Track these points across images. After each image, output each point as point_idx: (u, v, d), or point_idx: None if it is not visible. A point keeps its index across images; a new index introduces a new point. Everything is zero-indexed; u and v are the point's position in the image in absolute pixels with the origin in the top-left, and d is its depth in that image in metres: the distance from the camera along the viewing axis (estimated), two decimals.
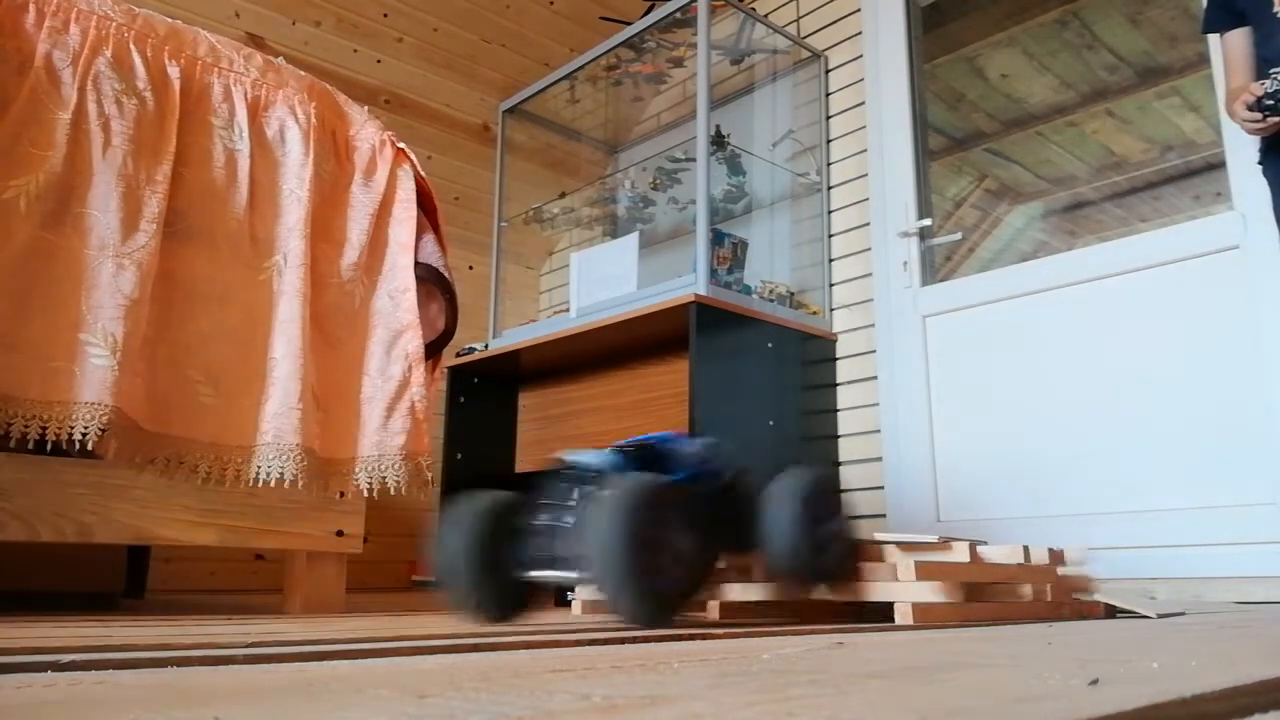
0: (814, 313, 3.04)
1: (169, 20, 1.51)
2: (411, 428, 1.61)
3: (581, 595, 1.60)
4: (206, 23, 2.91)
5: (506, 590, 1.19)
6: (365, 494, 1.59)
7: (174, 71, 1.47)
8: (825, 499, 1.31)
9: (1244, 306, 2.23)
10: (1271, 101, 1.75)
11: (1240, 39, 1.95)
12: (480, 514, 1.18)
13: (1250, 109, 1.79)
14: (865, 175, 3.05)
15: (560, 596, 1.95)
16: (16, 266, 1.28)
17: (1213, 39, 2.26)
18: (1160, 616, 1.47)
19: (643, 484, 1.08)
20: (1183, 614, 1.54)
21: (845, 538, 1.33)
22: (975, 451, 2.65)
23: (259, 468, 1.45)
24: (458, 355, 3.44)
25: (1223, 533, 2.16)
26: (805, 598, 1.36)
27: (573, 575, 1.14)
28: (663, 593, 1.08)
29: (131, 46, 1.43)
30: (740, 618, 1.42)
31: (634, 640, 0.93)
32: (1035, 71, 4.05)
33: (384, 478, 1.57)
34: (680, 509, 1.13)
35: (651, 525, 1.07)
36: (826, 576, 1.30)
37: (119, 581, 2.00)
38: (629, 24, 3.42)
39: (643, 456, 1.24)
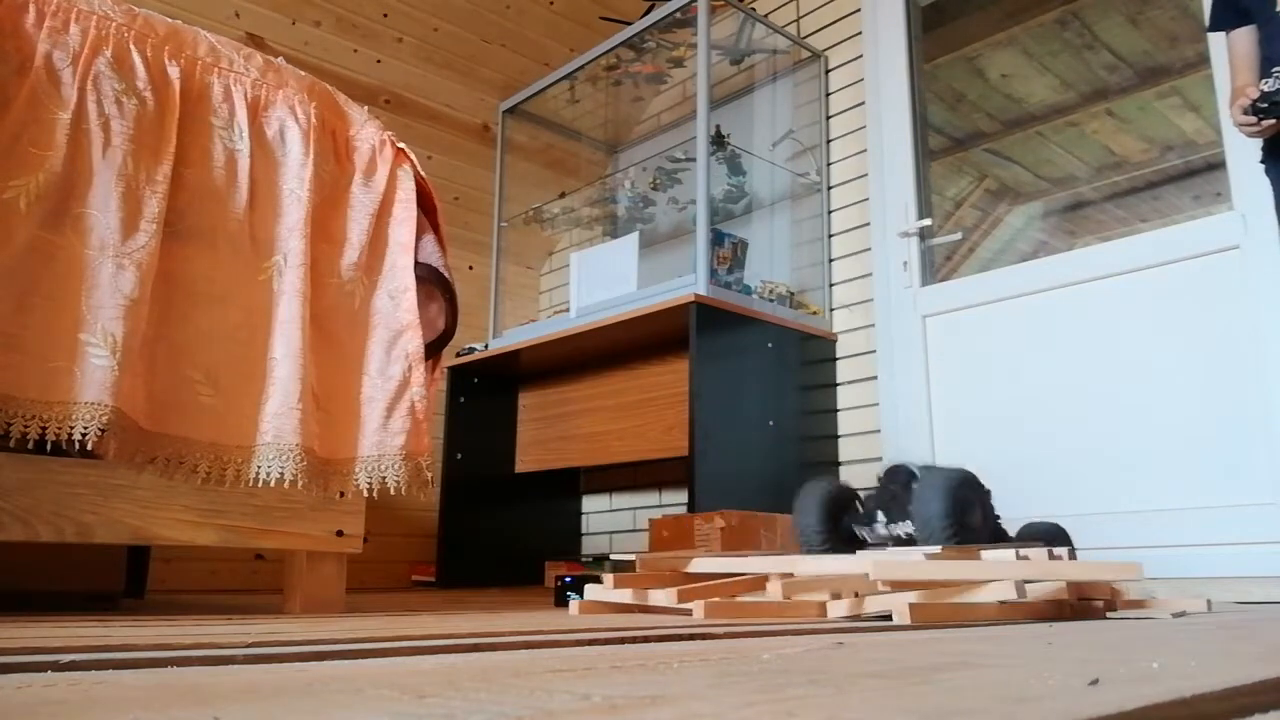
0: (814, 313, 3.04)
1: (169, 20, 1.51)
2: (411, 428, 1.61)
3: (589, 595, 1.62)
4: (206, 23, 2.91)
5: (843, 546, 1.72)
6: (365, 494, 1.59)
7: (174, 71, 1.47)
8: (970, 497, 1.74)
9: (1244, 306, 2.23)
10: (1265, 105, 1.76)
11: (1245, 37, 1.95)
12: (826, 492, 1.75)
13: (1245, 113, 1.79)
14: (865, 175, 3.05)
15: (560, 597, 1.95)
16: (16, 266, 1.28)
17: (1216, 38, 2.27)
18: (1175, 616, 1.48)
19: (954, 473, 1.61)
20: (1208, 612, 1.56)
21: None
22: (975, 451, 2.65)
23: (259, 468, 1.45)
24: (458, 355, 3.44)
25: (1223, 533, 2.16)
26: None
27: (896, 528, 1.66)
28: (969, 543, 1.52)
29: (131, 46, 1.43)
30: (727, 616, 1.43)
31: (634, 640, 0.93)
32: (1035, 71, 4.05)
33: (384, 478, 1.57)
34: (973, 486, 1.62)
35: (960, 498, 1.57)
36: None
37: (119, 581, 2.00)
38: (629, 24, 3.42)
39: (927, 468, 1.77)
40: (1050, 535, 1.84)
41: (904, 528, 1.65)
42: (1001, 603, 1.34)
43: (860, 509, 1.77)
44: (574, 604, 1.60)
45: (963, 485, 1.57)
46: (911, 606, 1.24)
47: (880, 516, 1.70)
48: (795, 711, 0.42)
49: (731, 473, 2.58)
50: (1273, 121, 1.78)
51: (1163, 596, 1.63)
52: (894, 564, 1.35)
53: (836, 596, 1.41)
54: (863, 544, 1.73)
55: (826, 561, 1.46)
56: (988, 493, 1.72)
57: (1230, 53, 2.01)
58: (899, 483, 1.71)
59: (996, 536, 1.72)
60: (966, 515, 1.56)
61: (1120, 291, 2.45)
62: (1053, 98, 4.21)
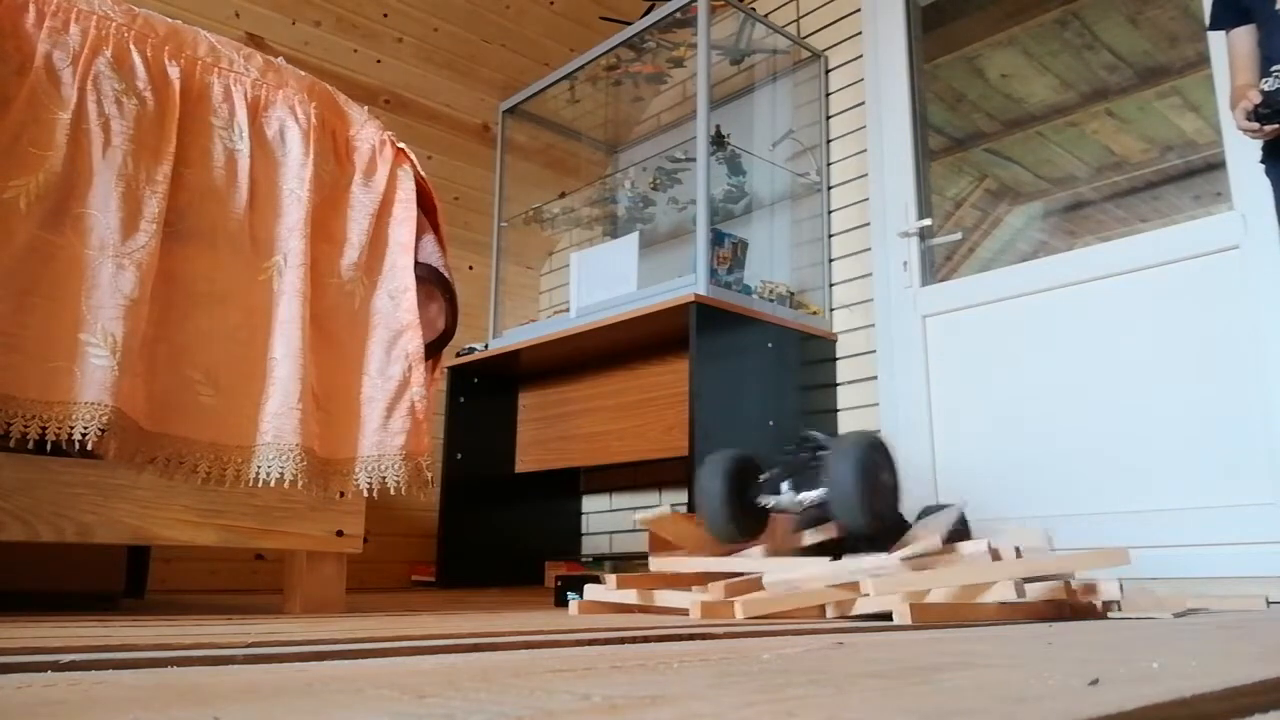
0: (814, 313, 3.04)
1: (169, 20, 1.51)
2: (411, 428, 1.61)
3: (589, 595, 1.63)
4: (206, 23, 2.91)
5: (749, 519, 1.67)
6: (365, 494, 1.59)
7: (174, 71, 1.47)
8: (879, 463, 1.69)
9: (1244, 306, 2.23)
10: (1267, 110, 1.76)
11: (1245, 36, 1.95)
12: (729, 463, 1.67)
13: (1248, 118, 1.79)
14: (865, 175, 3.05)
15: (560, 597, 1.95)
16: (16, 266, 1.28)
17: (1216, 37, 2.27)
18: (1176, 616, 1.48)
19: (868, 437, 1.55)
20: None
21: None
22: (975, 451, 2.65)
23: (259, 468, 1.45)
24: (458, 355, 3.44)
25: (1223, 533, 2.16)
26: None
27: (805, 499, 1.59)
28: (881, 510, 1.49)
29: (131, 46, 1.43)
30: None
31: (634, 640, 0.93)
32: (1035, 71, 4.05)
33: (384, 478, 1.57)
34: (887, 452, 1.57)
35: (874, 463, 1.51)
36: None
37: (119, 581, 2.00)
38: (629, 24, 3.42)
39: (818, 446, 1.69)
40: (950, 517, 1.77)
41: (812, 495, 1.58)
42: (1001, 603, 1.34)
43: (764, 478, 1.69)
44: (573, 604, 1.60)
45: (872, 449, 1.52)
46: (912, 606, 1.24)
47: (786, 486, 1.63)
48: (795, 711, 0.42)
49: None
50: (1275, 126, 1.78)
51: (1162, 595, 1.62)
52: (892, 577, 1.36)
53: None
54: (766, 513, 1.68)
55: (813, 567, 1.45)
56: (893, 458, 1.64)
57: (1230, 52, 2.01)
58: (808, 450, 1.65)
59: (894, 516, 1.64)
60: (879, 476, 1.52)
61: (1120, 291, 2.45)
62: (1053, 98, 4.21)
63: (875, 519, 1.49)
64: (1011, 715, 0.41)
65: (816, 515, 1.63)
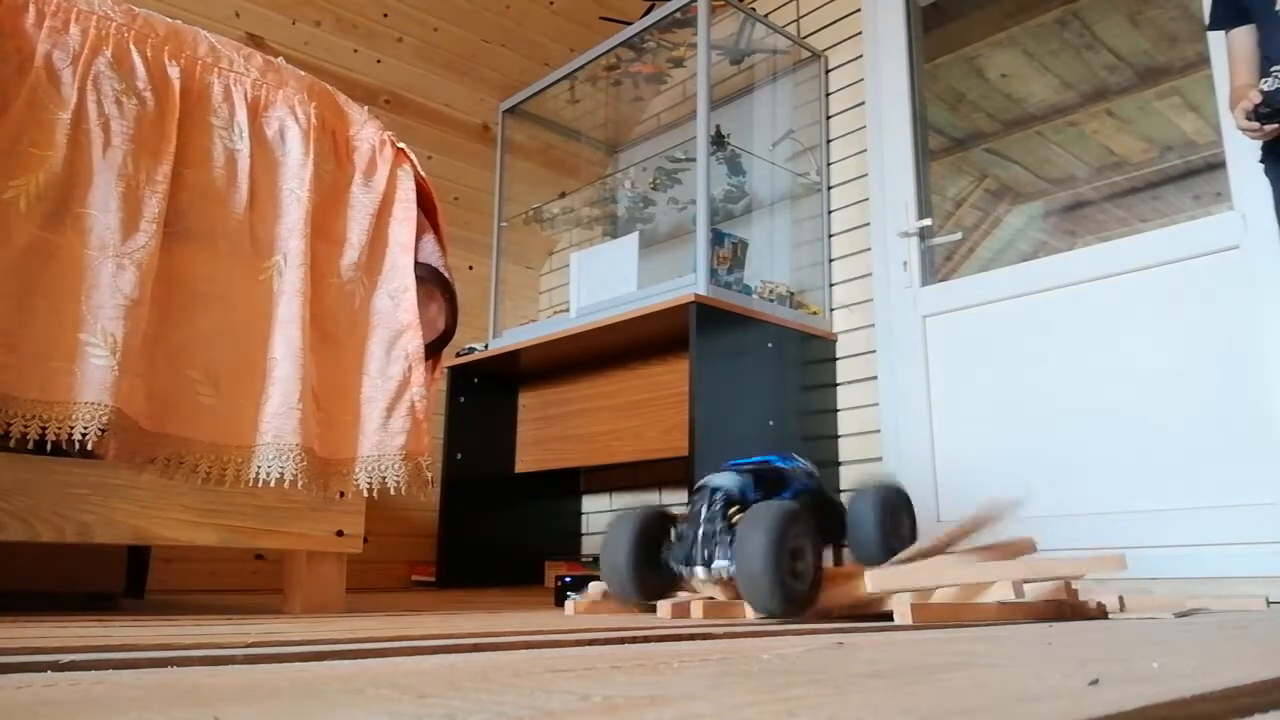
0: (814, 313, 3.04)
1: (169, 20, 1.51)
2: (411, 428, 1.61)
3: (590, 593, 1.63)
4: (206, 23, 2.91)
5: (659, 582, 1.51)
6: (365, 494, 1.59)
7: (174, 71, 1.47)
8: (900, 507, 1.62)
9: (1244, 306, 2.23)
10: (1266, 110, 1.76)
11: (1245, 36, 1.95)
12: (637, 522, 1.51)
13: (1248, 118, 1.79)
14: (865, 175, 3.05)
15: (560, 597, 1.95)
16: (16, 266, 1.28)
17: (1216, 37, 2.27)
18: (1176, 616, 1.48)
19: (784, 508, 1.35)
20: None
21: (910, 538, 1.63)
22: (975, 451, 2.65)
23: (259, 468, 1.45)
24: (458, 355, 3.44)
25: (1223, 533, 2.16)
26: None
27: (715, 571, 1.43)
28: (797, 592, 1.33)
29: (131, 46, 1.43)
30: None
31: (634, 640, 0.93)
32: (1035, 71, 4.04)
33: (384, 478, 1.57)
34: (806, 524, 1.38)
35: (790, 539, 1.33)
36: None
37: (119, 581, 2.00)
38: (629, 24, 3.42)
39: (762, 476, 1.54)
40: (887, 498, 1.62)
41: (724, 568, 1.41)
42: (1001, 603, 1.34)
43: (674, 540, 1.51)
44: (570, 604, 1.60)
45: (787, 518, 1.33)
46: (913, 606, 1.24)
47: (698, 562, 1.44)
48: (795, 711, 0.42)
49: None
50: (1275, 126, 1.78)
51: (1162, 595, 1.62)
52: (891, 575, 1.36)
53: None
54: (681, 582, 1.51)
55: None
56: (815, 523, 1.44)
57: (1230, 51, 2.01)
58: (718, 514, 1.46)
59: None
60: (794, 551, 1.34)
61: (1120, 291, 2.45)
62: (1053, 98, 4.20)
63: (787, 603, 1.32)
64: (1011, 715, 0.41)
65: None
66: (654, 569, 1.51)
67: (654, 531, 1.53)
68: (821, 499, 1.61)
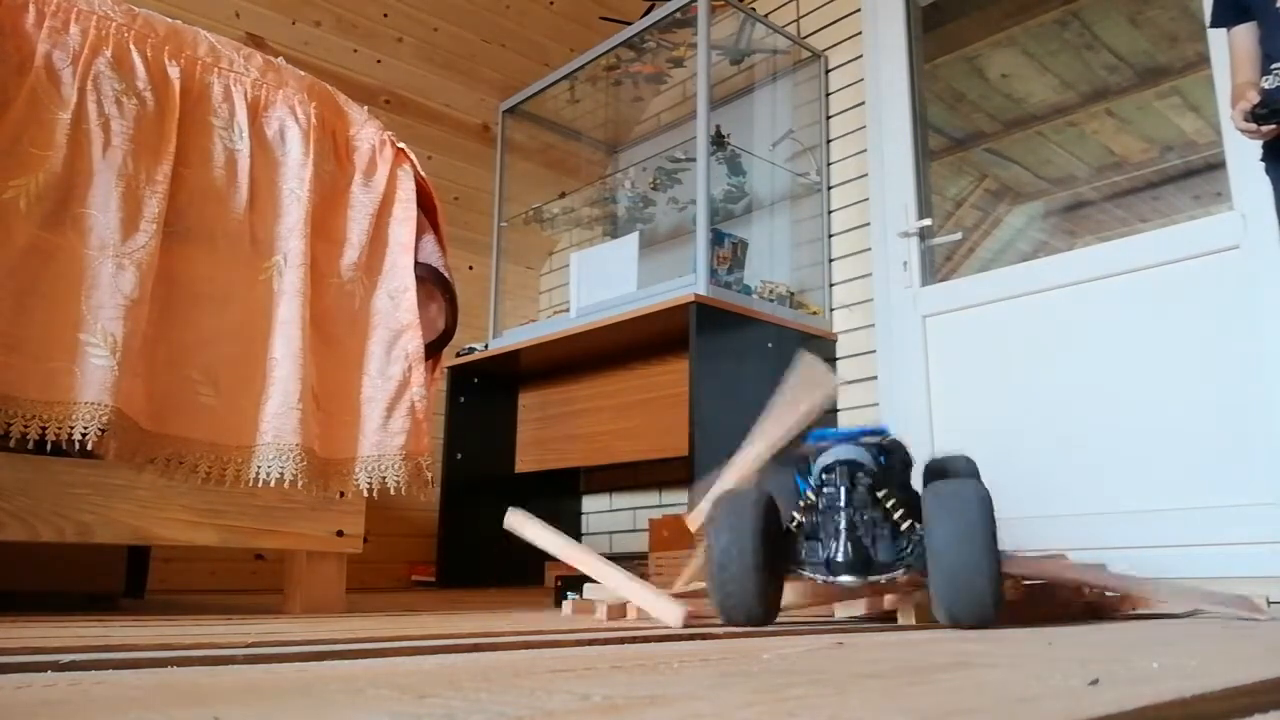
0: (814, 313, 3.04)
1: (169, 20, 1.51)
2: (411, 428, 1.61)
3: (594, 595, 1.60)
4: (206, 23, 2.91)
5: (776, 592, 1.17)
6: (365, 494, 1.59)
7: (174, 71, 1.47)
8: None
9: (1244, 306, 2.23)
10: (1264, 111, 1.76)
11: (1246, 34, 1.96)
12: (760, 509, 1.15)
13: (1246, 119, 1.80)
14: (865, 175, 3.05)
15: (560, 597, 1.95)
16: (16, 266, 1.28)
17: (1216, 37, 2.27)
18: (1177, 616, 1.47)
19: (981, 490, 1.12)
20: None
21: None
22: (975, 451, 2.64)
23: (259, 468, 1.45)
24: (458, 355, 3.44)
25: (1223, 533, 2.16)
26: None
27: (889, 573, 1.13)
28: (999, 591, 1.09)
29: (131, 46, 1.43)
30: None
31: (634, 640, 0.93)
32: (1035, 71, 4.04)
33: (384, 478, 1.57)
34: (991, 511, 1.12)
35: (994, 527, 1.10)
36: None
37: (119, 581, 2.00)
38: (629, 24, 3.41)
39: (888, 451, 1.24)
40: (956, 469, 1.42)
41: (901, 569, 1.17)
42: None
43: (798, 534, 1.20)
44: (567, 605, 1.59)
45: (988, 503, 1.14)
46: (916, 606, 1.24)
47: (851, 565, 1.15)
48: (795, 711, 0.42)
49: None
50: (1272, 126, 1.78)
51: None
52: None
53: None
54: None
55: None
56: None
57: (1231, 50, 2.01)
58: (865, 498, 1.19)
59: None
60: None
61: (1120, 291, 2.45)
62: (1053, 98, 4.20)
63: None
64: (1011, 715, 0.41)
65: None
66: (774, 576, 1.16)
67: (773, 524, 1.17)
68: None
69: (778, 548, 1.17)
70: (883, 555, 1.14)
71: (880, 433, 1.24)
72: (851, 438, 1.23)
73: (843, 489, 1.16)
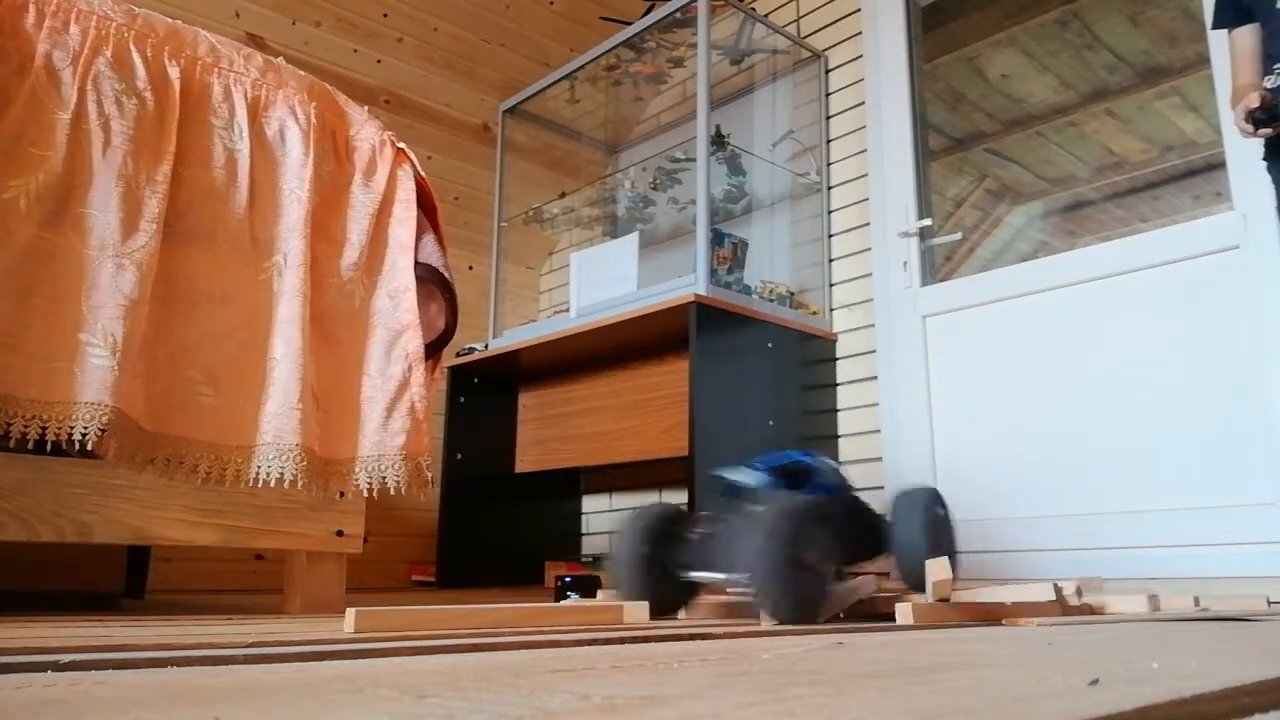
0: (814, 313, 3.04)
1: (169, 20, 1.51)
2: (411, 428, 1.61)
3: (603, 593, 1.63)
4: (206, 23, 2.91)
5: (671, 588, 1.39)
6: (365, 494, 1.59)
7: (174, 71, 1.47)
8: (939, 513, 1.54)
9: (1244, 306, 2.23)
10: (1263, 115, 1.77)
11: (1247, 35, 1.96)
12: (649, 523, 1.40)
13: (1245, 120, 1.80)
14: (865, 175, 3.05)
15: (560, 597, 1.95)
16: (16, 266, 1.28)
17: (1216, 38, 2.27)
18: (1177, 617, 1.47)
19: (794, 502, 1.26)
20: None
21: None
22: (975, 451, 2.65)
23: (259, 468, 1.45)
24: (458, 355, 3.44)
25: (1223, 533, 2.16)
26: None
27: (727, 576, 1.31)
28: (807, 596, 1.23)
29: (131, 46, 1.43)
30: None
31: (634, 640, 0.93)
32: (1035, 71, 4.04)
33: (384, 478, 1.57)
34: (824, 522, 1.28)
35: (800, 538, 1.23)
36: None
37: (119, 581, 2.00)
38: (629, 24, 3.41)
39: (789, 474, 1.45)
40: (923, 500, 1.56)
41: (714, 575, 1.35)
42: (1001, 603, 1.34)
43: (688, 541, 1.41)
44: (567, 604, 1.59)
45: (797, 515, 1.25)
46: (914, 606, 1.24)
47: (712, 566, 1.35)
48: (795, 711, 0.42)
49: None
50: (1269, 131, 1.79)
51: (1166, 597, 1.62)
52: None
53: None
54: (699, 589, 1.43)
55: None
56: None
57: (1232, 51, 2.01)
58: (734, 513, 1.38)
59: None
60: (806, 552, 1.25)
61: (1120, 291, 2.45)
62: (1053, 98, 4.20)
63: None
64: (1011, 715, 0.41)
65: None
66: (666, 575, 1.39)
67: (667, 532, 1.41)
68: (853, 502, 1.52)
69: (669, 550, 1.40)
70: (729, 559, 1.33)
71: (791, 460, 1.46)
72: (756, 464, 1.46)
73: (718, 505, 1.40)
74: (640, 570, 1.37)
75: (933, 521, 1.51)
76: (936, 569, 1.31)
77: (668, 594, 1.40)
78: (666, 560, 1.40)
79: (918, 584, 1.43)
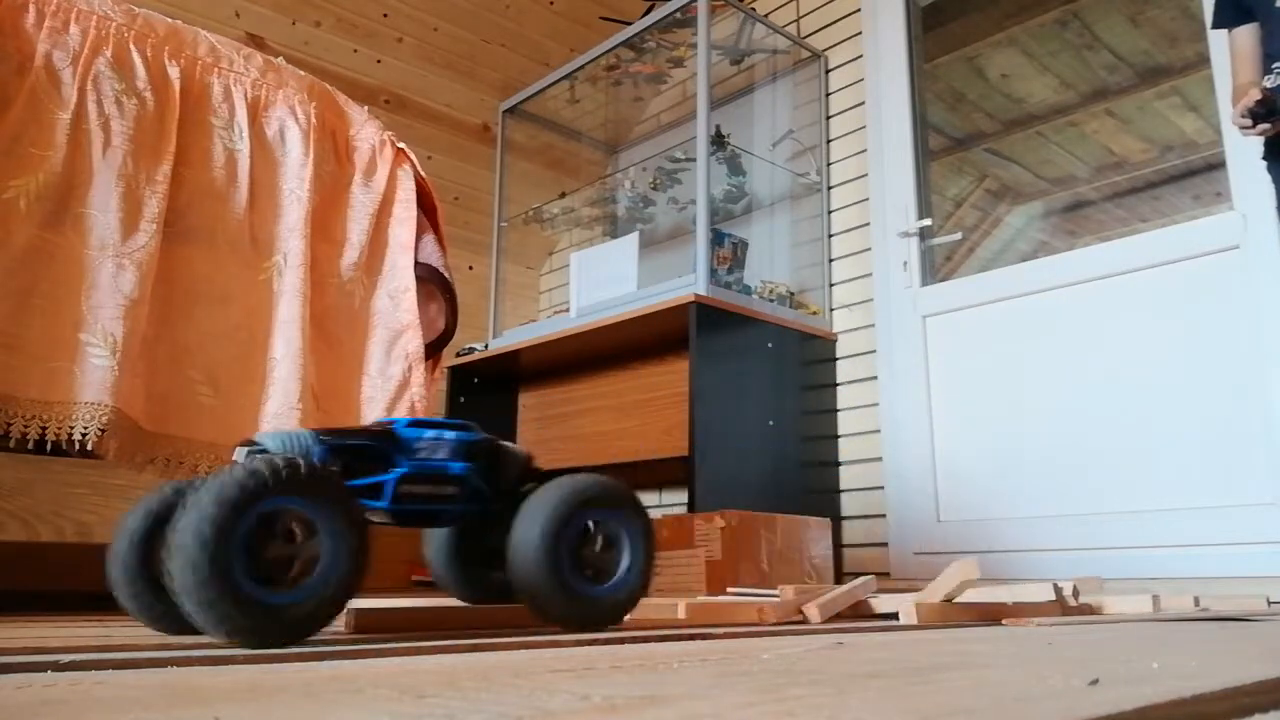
0: (814, 313, 3.04)
1: (169, 20, 1.51)
2: None
3: None
4: (206, 23, 2.91)
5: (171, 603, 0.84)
6: None
7: (174, 71, 1.47)
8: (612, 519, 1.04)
9: (1244, 306, 2.23)
10: (1262, 111, 1.77)
11: (1247, 35, 1.96)
12: (137, 521, 0.96)
13: (1243, 116, 1.80)
14: (865, 175, 3.05)
15: None
16: (16, 266, 1.28)
17: (1216, 38, 2.27)
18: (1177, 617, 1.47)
19: (232, 479, 0.80)
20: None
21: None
22: (975, 451, 2.65)
23: None
24: (458, 355, 3.44)
25: (1223, 533, 2.16)
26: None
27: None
28: (276, 609, 0.81)
29: (131, 46, 1.43)
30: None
31: (634, 640, 0.93)
32: (1035, 71, 4.04)
33: None
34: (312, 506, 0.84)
35: (246, 530, 0.80)
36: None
37: None
38: (629, 24, 3.41)
39: (346, 447, 0.98)
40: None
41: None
42: (1000, 603, 1.34)
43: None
44: None
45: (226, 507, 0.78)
46: (917, 606, 1.24)
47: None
48: (795, 711, 0.42)
49: (731, 473, 2.58)
50: (1267, 126, 1.79)
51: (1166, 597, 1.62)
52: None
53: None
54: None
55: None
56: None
57: (1232, 50, 2.01)
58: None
59: None
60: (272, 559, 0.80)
61: (1120, 291, 2.45)
62: (1053, 98, 4.21)
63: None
64: (1011, 715, 0.41)
65: None
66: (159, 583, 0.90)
67: (155, 531, 0.94)
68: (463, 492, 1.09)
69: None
70: None
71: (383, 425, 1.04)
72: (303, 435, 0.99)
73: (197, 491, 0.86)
74: (136, 588, 0.94)
75: (572, 526, 1.00)
76: (967, 569, 1.29)
77: (174, 612, 0.86)
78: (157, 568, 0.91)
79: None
